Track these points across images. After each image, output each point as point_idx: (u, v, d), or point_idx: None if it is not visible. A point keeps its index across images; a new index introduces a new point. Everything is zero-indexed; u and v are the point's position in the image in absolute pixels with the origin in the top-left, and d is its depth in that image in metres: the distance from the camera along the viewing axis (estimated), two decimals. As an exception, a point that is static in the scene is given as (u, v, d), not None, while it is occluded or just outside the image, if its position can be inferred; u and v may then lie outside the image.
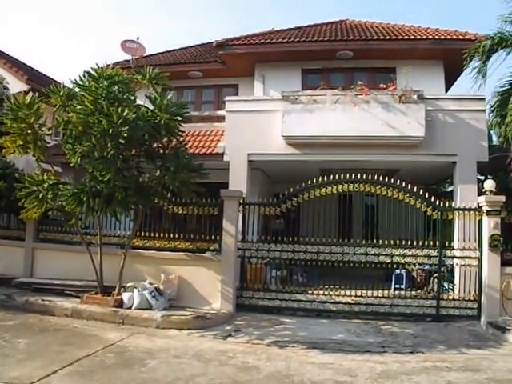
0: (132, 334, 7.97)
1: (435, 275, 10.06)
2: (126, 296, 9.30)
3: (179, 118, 9.24)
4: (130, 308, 9.12)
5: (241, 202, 10.25)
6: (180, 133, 9.57)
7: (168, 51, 18.27)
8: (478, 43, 9.58)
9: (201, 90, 16.78)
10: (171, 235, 10.38)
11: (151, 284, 9.65)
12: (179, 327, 8.55)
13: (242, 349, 7.40)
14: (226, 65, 15.39)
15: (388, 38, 13.94)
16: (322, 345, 7.69)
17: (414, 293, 10.39)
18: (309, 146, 11.89)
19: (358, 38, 14.05)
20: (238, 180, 11.82)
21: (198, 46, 18.68)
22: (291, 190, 10.20)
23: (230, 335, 8.24)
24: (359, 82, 11.74)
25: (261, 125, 12.15)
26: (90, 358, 6.56)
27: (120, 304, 9.19)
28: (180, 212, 10.31)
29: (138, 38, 16.02)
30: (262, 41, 14.45)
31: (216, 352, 7.14)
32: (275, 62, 14.70)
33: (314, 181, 10.04)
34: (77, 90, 9.05)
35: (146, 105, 9.26)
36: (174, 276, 9.94)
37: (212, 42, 15.25)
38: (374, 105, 11.48)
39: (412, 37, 13.96)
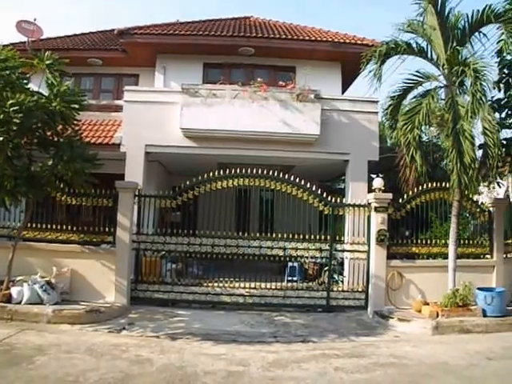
0: (21, 331, 7.54)
1: (326, 268, 10.46)
2: (14, 291, 8.74)
3: (76, 106, 8.82)
4: (20, 303, 8.59)
5: (136, 193, 10.04)
6: (76, 121, 9.17)
7: (67, 36, 17.28)
8: (374, 48, 10.04)
9: (100, 78, 16.10)
10: (64, 227, 9.90)
11: (42, 277, 9.13)
12: (72, 322, 8.24)
13: (135, 342, 7.29)
14: (127, 54, 14.89)
15: (290, 37, 14.24)
16: (216, 336, 7.75)
17: (305, 285, 10.76)
18: (207, 139, 11.92)
19: (260, 35, 14.18)
20: (135, 171, 11.57)
21: (99, 32, 17.89)
22: (188, 182, 10.14)
23: (123, 329, 8.10)
24: (258, 79, 11.95)
25: (160, 117, 11.98)
26: (-28, 358, 6.13)
27: (9, 299, 8.61)
28: (74, 203, 9.89)
29: (35, 20, 15.09)
30: (165, 32, 14.18)
31: (109, 346, 6.98)
32: (177, 54, 14.49)
33: (211, 174, 10.06)
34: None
35: (40, 90, 8.76)
36: (66, 269, 9.50)
37: (114, 30, 14.74)
38: (272, 102, 11.72)
39: (313, 38, 14.36)
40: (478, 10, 9.46)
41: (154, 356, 6.60)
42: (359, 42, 14.27)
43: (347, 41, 14.34)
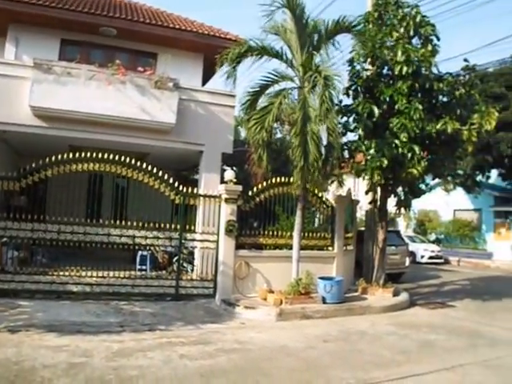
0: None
1: (177, 257, 10.54)
2: None
3: None
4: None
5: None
6: None
7: None
8: (227, 51, 10.22)
9: None
10: None
11: None
12: None
13: (-33, 337, 6.71)
14: (-28, 19, 13.52)
15: (154, 22, 13.91)
16: (59, 327, 7.42)
17: (155, 273, 10.77)
18: (59, 120, 11.26)
19: (123, 17, 13.66)
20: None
21: None
22: (33, 165, 9.54)
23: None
24: (117, 62, 11.54)
25: (6, 91, 11.04)
26: None
27: None
28: None
29: None
30: (18, -2, 12.97)
31: None
32: (33, 26, 13.34)
33: (60, 157, 9.58)
34: None
35: None
36: None
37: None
38: (130, 87, 11.45)
39: (177, 26, 14.18)
40: (334, 19, 10.12)
41: (-13, 352, 6.13)
42: (223, 35, 14.43)
43: (211, 33, 14.42)
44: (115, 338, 7.11)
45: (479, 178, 23.74)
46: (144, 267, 11.34)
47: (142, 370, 5.72)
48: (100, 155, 9.73)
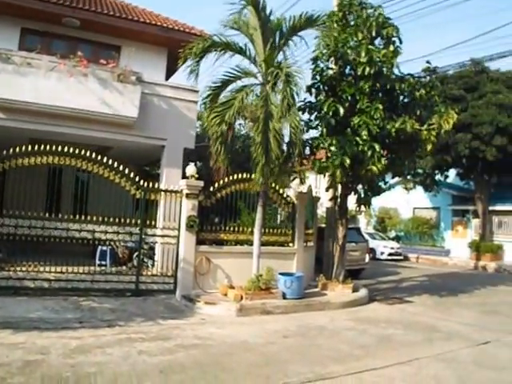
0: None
1: (137, 252, 10.47)
2: None
3: None
4: None
5: None
6: None
7: None
8: (191, 45, 10.18)
9: None
10: None
11: None
12: None
13: None
14: None
15: (118, 15, 13.70)
16: (15, 324, 7.26)
17: (115, 269, 10.66)
18: (18, 111, 10.96)
19: (87, 8, 13.39)
20: None
21: None
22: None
23: None
24: (79, 53, 11.32)
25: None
26: None
27: None
28: None
29: None
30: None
31: None
32: (-8, 14, 13.07)
33: (18, 149, 9.33)
34: None
35: None
36: None
37: None
38: (92, 79, 11.25)
39: (142, 19, 14.01)
40: (295, 16, 10.18)
41: None
42: (188, 30, 14.35)
43: (176, 27, 14.32)
44: (73, 334, 7.00)
45: (438, 177, 24.39)
46: (104, 262, 11.20)
47: (101, 367, 5.65)
48: (60, 148, 9.53)
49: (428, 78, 11.79)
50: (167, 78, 15.39)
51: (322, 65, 11.67)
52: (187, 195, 10.26)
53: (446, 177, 24.91)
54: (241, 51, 10.43)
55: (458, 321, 9.64)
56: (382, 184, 12.29)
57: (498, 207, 24.59)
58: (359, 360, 6.65)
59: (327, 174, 11.06)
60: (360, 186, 11.90)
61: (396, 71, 11.39)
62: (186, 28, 14.49)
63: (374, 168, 10.28)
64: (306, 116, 11.72)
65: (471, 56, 24.04)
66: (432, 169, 23.40)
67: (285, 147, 10.02)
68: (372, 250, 22.31)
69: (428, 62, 11.94)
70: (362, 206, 12.14)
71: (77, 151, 9.69)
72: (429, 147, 11.16)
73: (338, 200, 12.30)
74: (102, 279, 9.96)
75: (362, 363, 6.47)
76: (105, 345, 6.56)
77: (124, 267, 10.93)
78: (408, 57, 39.96)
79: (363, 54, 10.51)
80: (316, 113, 11.55)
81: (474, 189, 25.05)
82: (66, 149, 9.58)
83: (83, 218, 9.85)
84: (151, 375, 5.52)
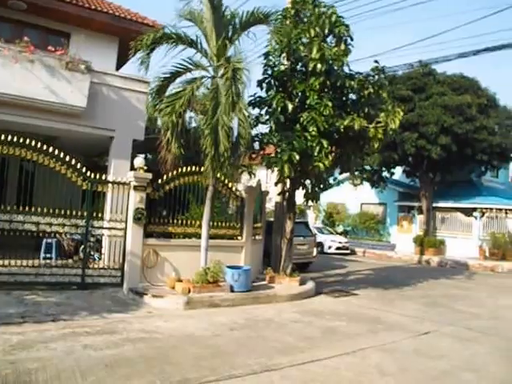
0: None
1: (84, 245, 10.28)
2: None
3: None
4: None
5: None
6: None
7: None
8: (142, 37, 10.08)
9: None
10: None
11: None
12: None
13: None
14: None
15: (68, 0, 13.35)
16: (-48, 320, 7.00)
17: (60, 262, 10.42)
18: (-42, 97, 10.52)
19: (34, -11, 12.98)
20: None
21: None
22: None
23: None
24: (25, 38, 10.92)
25: None
26: None
27: None
28: None
29: None
30: None
31: None
32: None
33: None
34: None
35: None
36: None
37: None
38: (38, 66, 10.85)
39: (93, 6, 13.63)
40: (248, 11, 10.22)
41: None
42: (140, 20, 14.12)
43: (128, 16, 14.07)
44: (15, 329, 6.82)
45: (385, 174, 25.08)
46: (49, 255, 10.90)
47: (43, 363, 5.54)
48: (4, 137, 9.20)
49: (377, 77, 12.07)
50: (118, 68, 15.13)
51: (273, 60, 11.79)
52: (135, 187, 10.15)
53: (393, 174, 25.67)
54: (192, 44, 10.39)
55: (400, 312, 10.00)
56: (330, 179, 12.54)
57: (441, 204, 25.45)
58: (305, 351, 6.80)
59: (276, 169, 11.17)
60: (308, 181, 12.09)
61: (346, 69, 11.65)
62: (138, 18, 14.24)
63: (321, 165, 10.48)
64: (256, 111, 11.84)
65: (419, 58, 24.79)
66: (379, 166, 24.00)
67: (234, 140, 10.06)
68: (320, 244, 22.76)
69: (376, 61, 12.23)
70: (310, 201, 12.35)
71: (21, 140, 9.38)
72: (376, 144, 11.47)
73: (287, 195, 12.46)
74: (47, 272, 9.72)
75: (308, 354, 6.62)
76: (48, 340, 6.44)
77: (70, 260, 10.69)
78: (357, 56, 40.77)
79: (315, 51, 10.68)
80: (266, 108, 11.66)
81: (419, 186, 25.84)
82: (9, 137, 9.26)
83: (27, 209, 9.55)
84: (96, 370, 5.45)
